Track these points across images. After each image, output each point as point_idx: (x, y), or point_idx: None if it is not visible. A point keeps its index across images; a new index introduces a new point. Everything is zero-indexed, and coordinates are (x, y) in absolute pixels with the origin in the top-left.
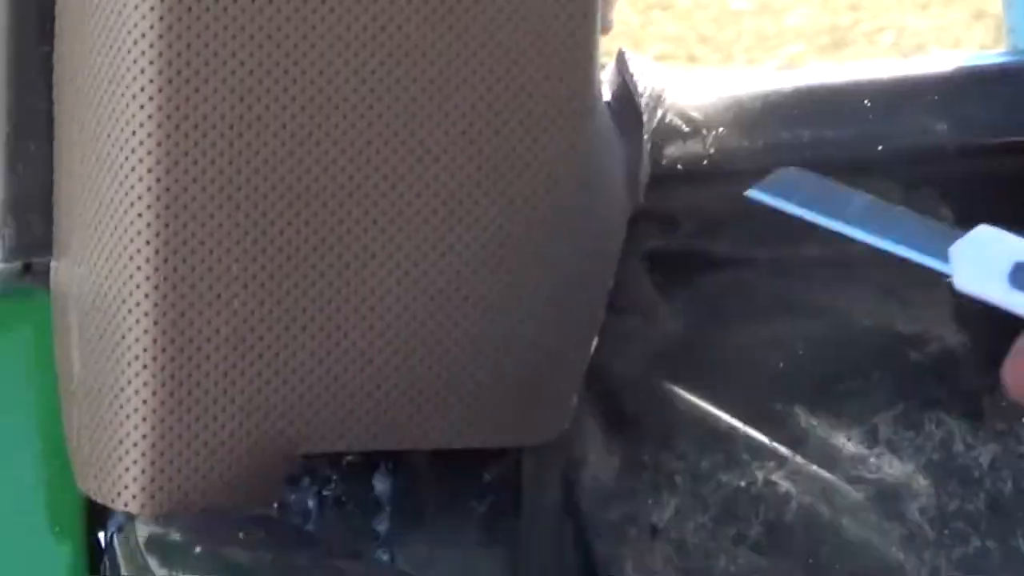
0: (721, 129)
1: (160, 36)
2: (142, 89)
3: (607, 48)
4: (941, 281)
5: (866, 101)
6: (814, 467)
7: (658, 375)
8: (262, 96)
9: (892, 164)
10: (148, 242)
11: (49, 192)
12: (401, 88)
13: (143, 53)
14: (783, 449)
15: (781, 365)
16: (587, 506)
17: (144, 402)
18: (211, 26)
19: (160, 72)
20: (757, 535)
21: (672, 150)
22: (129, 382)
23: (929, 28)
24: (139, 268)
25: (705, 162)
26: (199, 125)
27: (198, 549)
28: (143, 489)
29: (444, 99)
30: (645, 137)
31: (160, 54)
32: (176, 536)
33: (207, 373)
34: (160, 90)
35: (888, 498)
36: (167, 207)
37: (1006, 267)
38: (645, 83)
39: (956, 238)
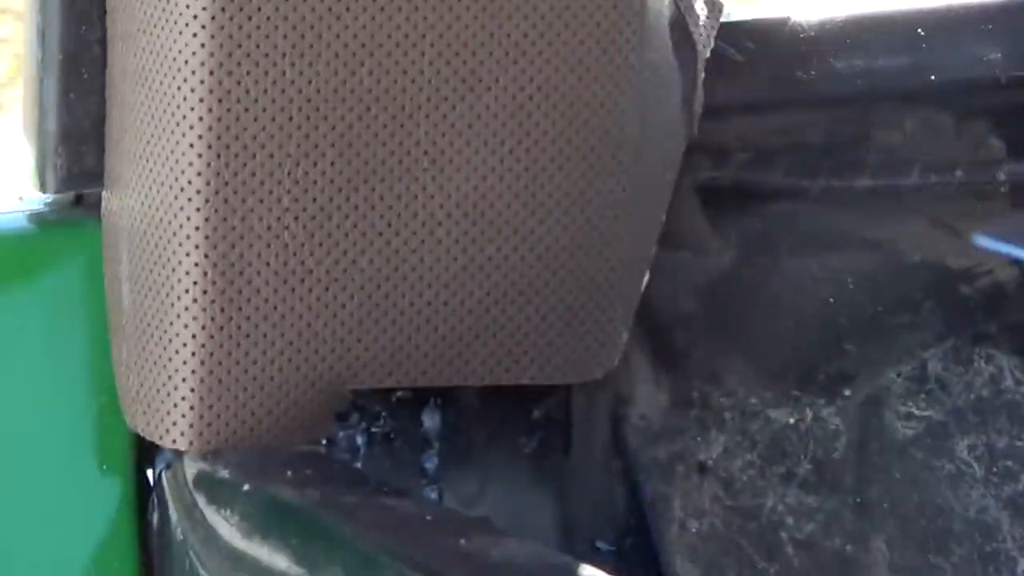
0: (775, 59)
1: None
2: (195, 17)
3: None
4: (991, 214)
5: (920, 31)
6: (863, 403)
7: (708, 310)
8: (314, 24)
9: (945, 94)
10: (199, 173)
11: (101, 123)
12: (453, 16)
13: None
14: (832, 385)
15: (831, 299)
16: (635, 444)
17: (193, 336)
18: None
19: (213, 1)
20: (805, 473)
21: (725, 81)
22: (179, 316)
23: None
24: (189, 199)
25: (758, 93)
26: (251, 54)
27: (246, 487)
28: (191, 426)
29: (495, 27)
30: (700, 67)
31: None
32: (224, 473)
33: (257, 307)
34: (213, 18)
35: (937, 435)
36: (218, 137)
37: None
38: (700, 14)
39: None
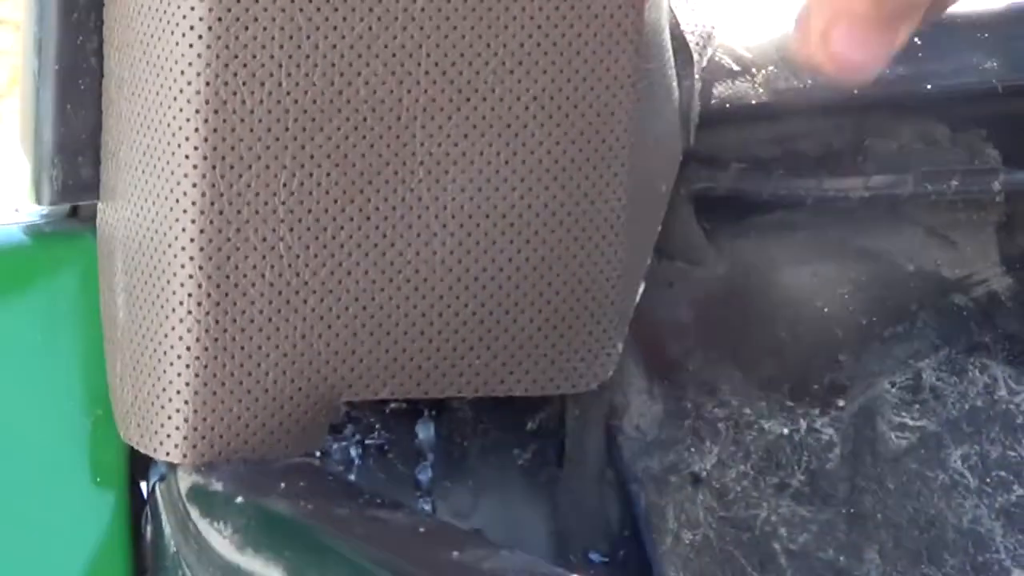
0: (770, 68)
1: None
2: (191, 28)
3: None
4: (986, 224)
5: (915, 39)
6: (857, 414)
7: (702, 320)
8: (310, 34)
9: (940, 103)
10: (195, 184)
11: (98, 134)
12: (450, 26)
13: None
14: (826, 396)
15: (826, 309)
16: (629, 455)
17: (188, 348)
18: None
19: (210, 9)
20: (799, 484)
21: (721, 89)
22: (173, 328)
23: None
24: (185, 211)
25: (754, 102)
26: (248, 64)
27: (239, 499)
28: (185, 439)
29: (492, 37)
30: (696, 77)
31: None
32: (218, 486)
33: (252, 319)
34: (210, 28)
35: (931, 446)
36: (214, 148)
37: None
38: (695, 21)
39: None
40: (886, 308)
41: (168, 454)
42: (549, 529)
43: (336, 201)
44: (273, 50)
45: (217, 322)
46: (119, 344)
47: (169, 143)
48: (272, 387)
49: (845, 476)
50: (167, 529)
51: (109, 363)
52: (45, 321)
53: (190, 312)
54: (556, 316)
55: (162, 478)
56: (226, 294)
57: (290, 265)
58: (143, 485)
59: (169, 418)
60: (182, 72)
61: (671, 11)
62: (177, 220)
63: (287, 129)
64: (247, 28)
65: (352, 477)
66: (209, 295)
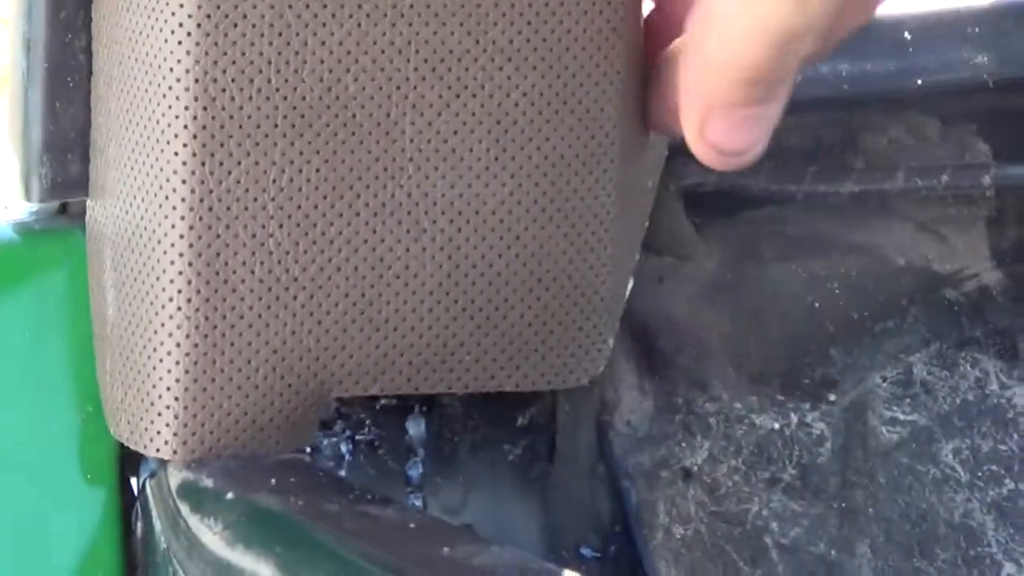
0: None
1: None
2: (180, 25)
3: None
4: (977, 219)
5: (906, 34)
6: (848, 408)
7: (693, 315)
8: (299, 31)
9: (930, 98)
10: (184, 181)
11: (87, 132)
12: (439, 23)
13: None
14: (817, 390)
15: (816, 304)
16: (620, 450)
17: (177, 345)
18: None
19: (199, 6)
20: (790, 479)
21: None
22: (163, 324)
23: None
24: (174, 207)
25: None
26: (237, 61)
27: (230, 495)
28: (175, 435)
29: (481, 34)
30: None
31: None
32: (208, 482)
33: (241, 315)
34: (199, 25)
35: (922, 440)
36: (203, 145)
37: None
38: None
39: None
40: (877, 303)
41: (158, 450)
42: (540, 525)
43: (325, 197)
44: (262, 47)
45: (206, 318)
46: (108, 341)
47: (158, 140)
48: (262, 383)
49: (836, 470)
50: (157, 525)
51: (99, 360)
52: (34, 318)
53: (179, 308)
54: (546, 312)
55: (152, 474)
56: (215, 290)
57: (279, 261)
58: (133, 482)
59: (159, 414)
60: (171, 69)
61: None
62: (166, 217)
63: (276, 126)
64: (236, 25)
65: (342, 473)
66: (198, 291)
